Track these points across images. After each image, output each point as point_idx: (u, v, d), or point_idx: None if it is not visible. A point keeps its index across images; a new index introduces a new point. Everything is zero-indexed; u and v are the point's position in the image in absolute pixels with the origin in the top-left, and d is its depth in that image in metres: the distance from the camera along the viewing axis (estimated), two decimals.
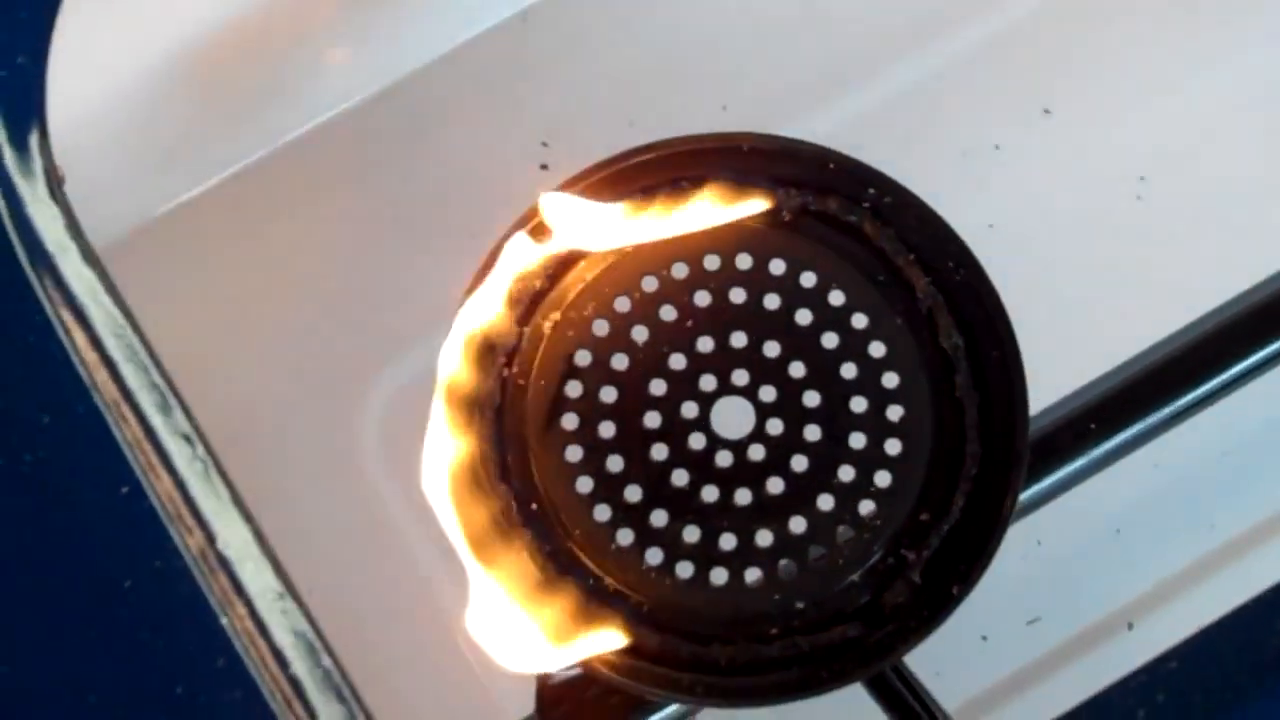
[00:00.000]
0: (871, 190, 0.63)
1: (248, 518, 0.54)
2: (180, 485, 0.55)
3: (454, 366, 0.61)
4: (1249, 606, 0.51)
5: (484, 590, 0.59)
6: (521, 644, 0.59)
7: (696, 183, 0.63)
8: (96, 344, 0.55)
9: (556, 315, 0.63)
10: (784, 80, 0.86)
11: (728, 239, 0.63)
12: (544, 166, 0.82)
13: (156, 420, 0.55)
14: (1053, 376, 0.67)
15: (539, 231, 0.62)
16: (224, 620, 0.52)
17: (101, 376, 0.54)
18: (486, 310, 0.62)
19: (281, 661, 0.53)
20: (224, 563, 0.54)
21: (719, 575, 0.61)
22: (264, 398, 0.85)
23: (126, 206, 0.87)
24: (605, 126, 0.66)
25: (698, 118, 0.65)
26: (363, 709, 0.54)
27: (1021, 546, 0.76)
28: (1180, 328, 0.69)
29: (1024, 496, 0.66)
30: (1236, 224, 0.79)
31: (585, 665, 0.60)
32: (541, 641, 0.59)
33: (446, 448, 0.60)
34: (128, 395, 0.55)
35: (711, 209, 0.62)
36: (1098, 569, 0.79)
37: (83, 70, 0.81)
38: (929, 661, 0.62)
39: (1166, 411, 0.67)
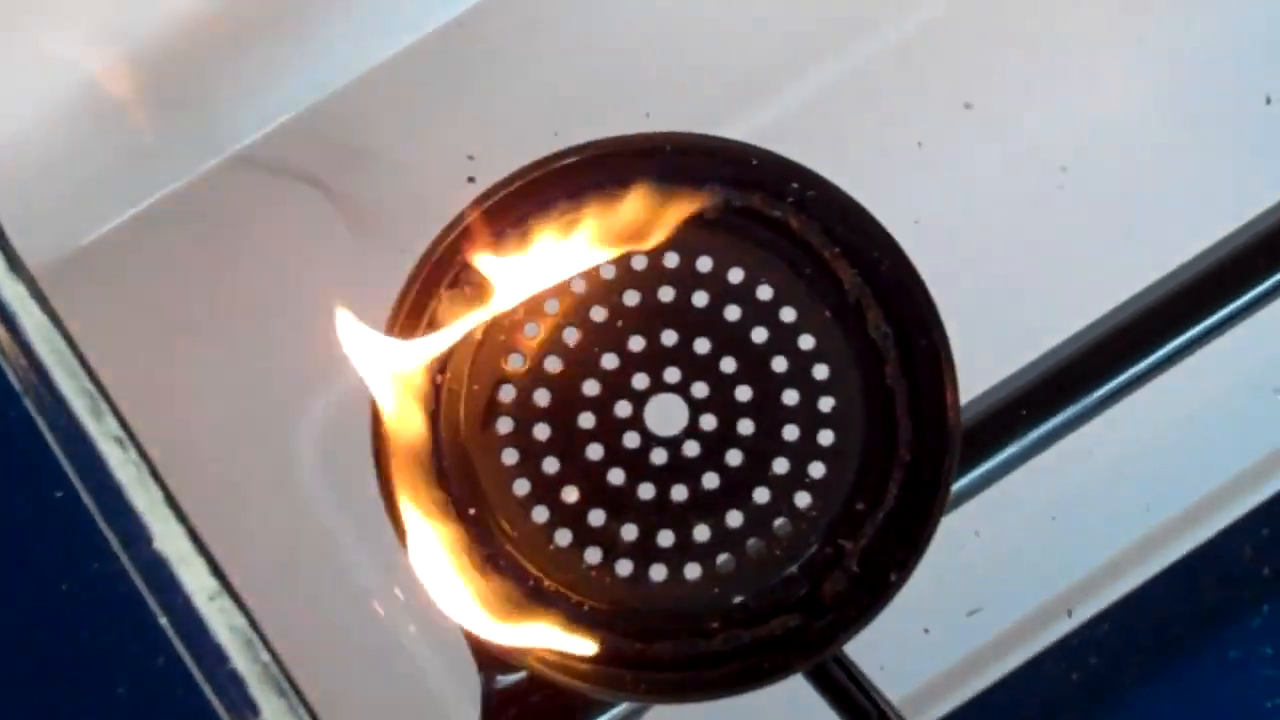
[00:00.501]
0: (795, 185, 0.63)
1: (182, 517, 0.55)
2: (114, 487, 0.55)
3: (388, 378, 0.61)
4: (1176, 569, 0.52)
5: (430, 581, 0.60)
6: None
7: (623, 184, 0.63)
8: (26, 350, 0.55)
9: (488, 320, 0.63)
10: (706, 85, 0.86)
11: (655, 239, 0.63)
12: (471, 179, 0.83)
13: (89, 423, 0.55)
14: (983, 365, 0.68)
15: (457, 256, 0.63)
16: (162, 620, 0.52)
17: (31, 380, 0.55)
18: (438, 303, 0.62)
19: (220, 657, 0.54)
20: (160, 562, 0.54)
21: (658, 572, 0.61)
22: (201, 418, 0.85)
23: (54, 234, 0.88)
24: (530, 138, 0.65)
25: (622, 126, 0.65)
26: (303, 702, 0.54)
27: (959, 537, 0.76)
28: (1105, 313, 0.69)
29: (958, 484, 0.66)
30: (1157, 210, 0.79)
31: (530, 668, 0.61)
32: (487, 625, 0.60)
33: (386, 453, 0.61)
34: (59, 400, 0.55)
35: (638, 210, 0.63)
36: (1036, 557, 0.80)
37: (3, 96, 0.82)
38: (872, 655, 0.63)
39: (1096, 396, 0.68)
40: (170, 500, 0.55)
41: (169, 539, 0.54)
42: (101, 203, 0.90)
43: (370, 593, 0.79)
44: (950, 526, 0.68)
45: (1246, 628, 0.49)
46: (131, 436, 0.55)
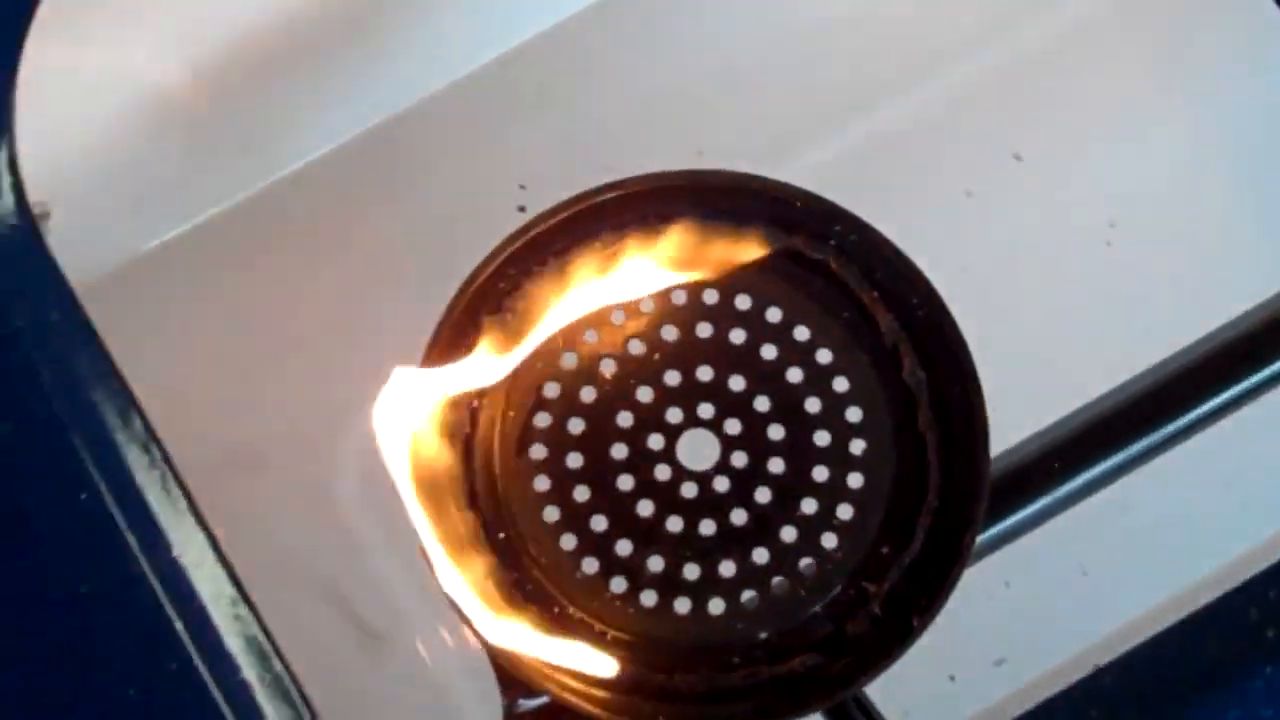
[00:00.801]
0: (838, 228, 0.64)
1: (203, 525, 0.55)
2: (138, 492, 0.56)
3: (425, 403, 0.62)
4: (1183, 625, 0.52)
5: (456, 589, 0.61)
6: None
7: (665, 219, 0.64)
8: (58, 355, 0.56)
9: (537, 348, 0.64)
10: (760, 126, 0.87)
11: (696, 274, 0.64)
12: (521, 208, 0.83)
13: (116, 428, 0.56)
14: (1020, 416, 0.68)
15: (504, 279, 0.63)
16: (177, 625, 0.53)
17: (61, 383, 0.56)
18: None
19: (232, 666, 0.54)
20: (178, 569, 0.55)
21: (682, 605, 0.62)
22: (245, 433, 0.86)
23: (109, 245, 0.89)
24: (581, 170, 0.66)
25: (673, 162, 0.66)
26: (311, 712, 0.55)
27: (989, 587, 0.77)
28: (1143, 370, 0.70)
29: (989, 534, 0.67)
30: (1202, 271, 0.80)
31: (551, 694, 0.61)
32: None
33: (420, 472, 0.62)
34: (89, 405, 0.56)
35: (681, 246, 0.64)
36: (1065, 610, 0.80)
37: (65, 112, 0.83)
38: (896, 700, 0.63)
39: (1128, 453, 0.68)
40: (194, 508, 0.55)
41: (189, 546, 0.54)
42: (162, 213, 0.91)
43: (404, 613, 0.79)
44: (980, 575, 0.68)
45: (1248, 689, 0.49)
46: (157, 442, 0.56)
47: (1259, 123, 0.58)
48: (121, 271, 0.89)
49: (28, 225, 0.60)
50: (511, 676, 0.62)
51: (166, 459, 0.55)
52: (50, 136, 0.81)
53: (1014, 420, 0.69)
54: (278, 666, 0.54)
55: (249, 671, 0.54)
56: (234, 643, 0.54)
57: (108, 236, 0.88)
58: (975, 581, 0.67)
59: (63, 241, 0.81)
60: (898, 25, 0.89)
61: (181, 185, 0.90)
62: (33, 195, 0.82)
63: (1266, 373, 0.67)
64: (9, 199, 0.61)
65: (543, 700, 0.62)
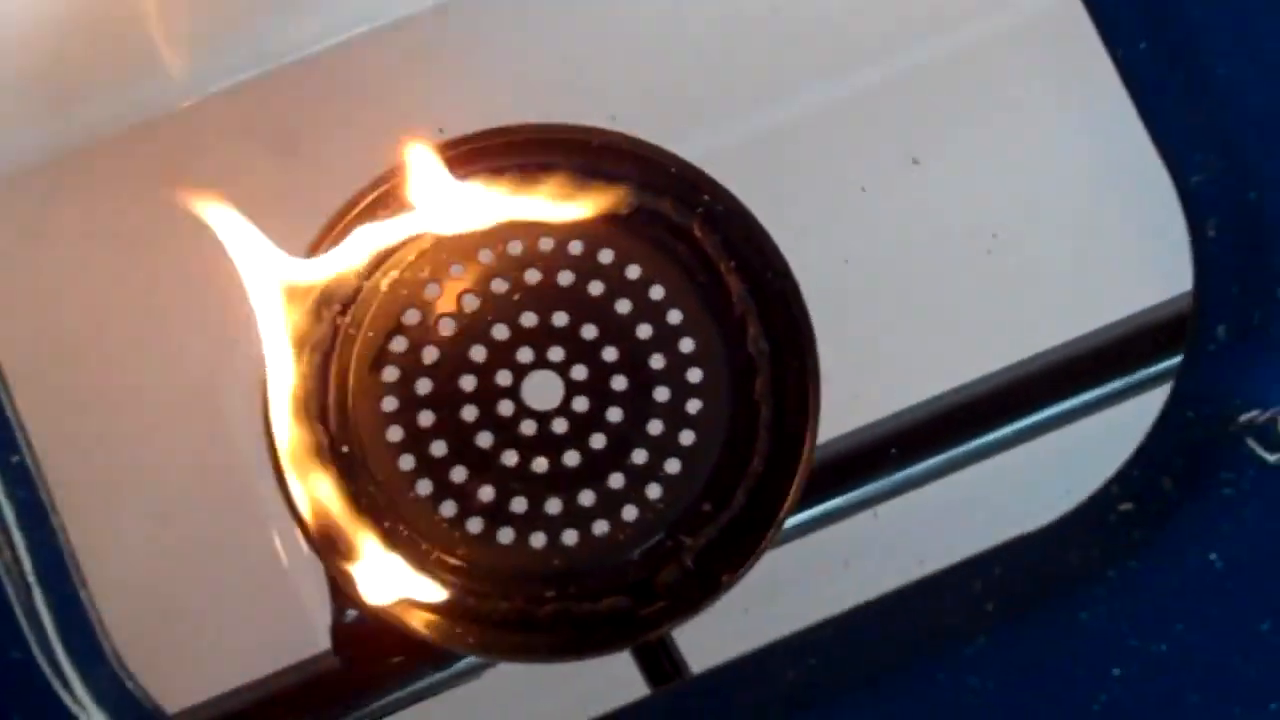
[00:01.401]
0: (706, 196, 0.66)
1: None
2: None
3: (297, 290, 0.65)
4: (920, 589, 0.54)
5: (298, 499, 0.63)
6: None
7: (545, 169, 0.66)
8: None
9: (395, 274, 0.66)
10: (673, 102, 0.88)
11: (563, 224, 0.66)
12: None
13: None
14: (875, 403, 0.71)
15: (392, 198, 0.66)
16: None
17: None
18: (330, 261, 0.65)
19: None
20: None
21: (505, 535, 0.64)
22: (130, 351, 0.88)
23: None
24: (498, 119, 0.68)
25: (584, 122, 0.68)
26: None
27: (831, 568, 0.79)
28: (986, 374, 0.72)
29: (814, 510, 0.70)
30: (1072, 285, 0.81)
31: (373, 609, 0.63)
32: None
33: (279, 376, 0.64)
34: None
35: (554, 195, 0.66)
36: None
37: None
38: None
39: (959, 451, 0.71)
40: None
41: None
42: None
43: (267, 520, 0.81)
44: (822, 553, 0.71)
45: (958, 655, 0.51)
46: None
47: (1147, 148, 0.60)
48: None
49: None
50: (340, 588, 0.64)
51: None
52: None
53: (868, 405, 0.71)
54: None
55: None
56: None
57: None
58: (818, 560, 0.70)
59: None
60: (819, 22, 0.91)
61: (106, 93, 0.91)
62: None
63: (1097, 392, 0.70)
64: None
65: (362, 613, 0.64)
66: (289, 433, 0.64)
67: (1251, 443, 0.52)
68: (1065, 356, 0.71)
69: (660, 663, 0.65)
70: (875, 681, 0.52)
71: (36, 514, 0.53)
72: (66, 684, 0.52)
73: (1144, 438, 0.53)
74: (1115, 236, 0.78)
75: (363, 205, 0.66)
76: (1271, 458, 0.52)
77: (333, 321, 0.65)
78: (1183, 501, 0.52)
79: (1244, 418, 0.52)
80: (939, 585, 0.53)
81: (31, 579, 0.53)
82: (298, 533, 0.65)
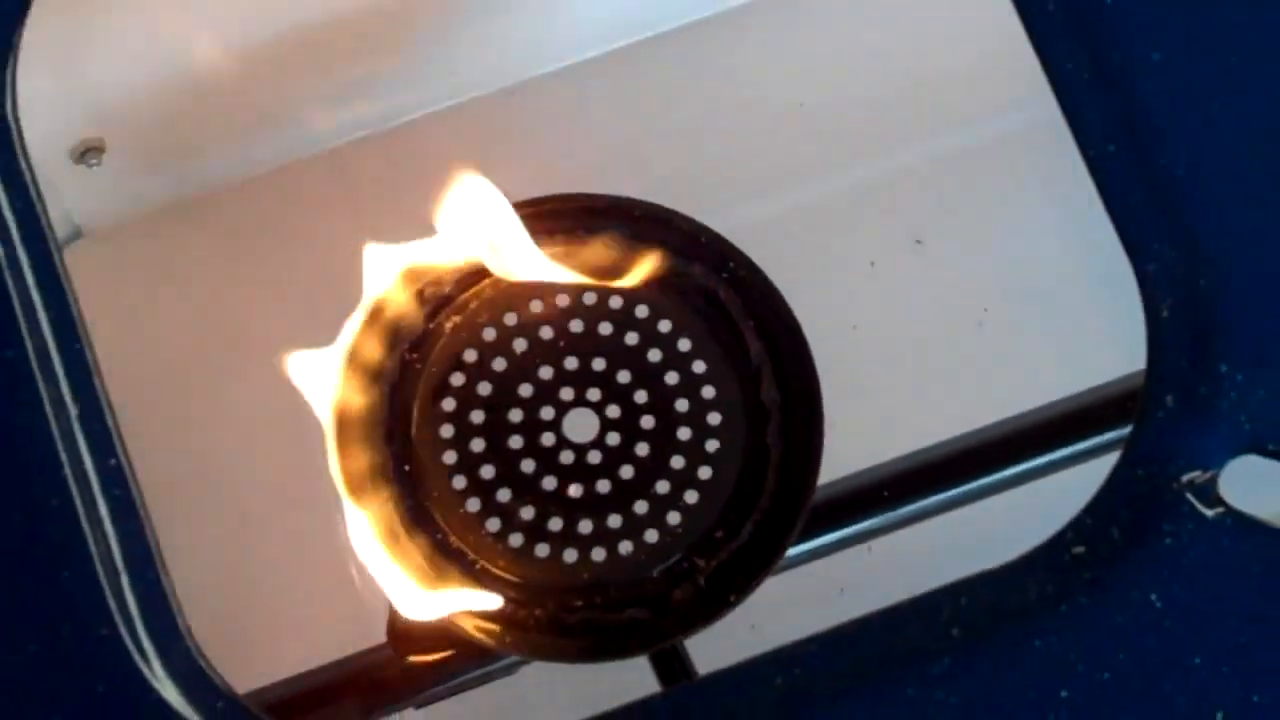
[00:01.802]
0: (732, 264, 0.66)
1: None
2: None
3: (360, 339, 0.65)
4: (891, 613, 0.54)
5: (355, 521, 0.64)
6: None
7: (591, 232, 0.67)
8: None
9: (457, 318, 0.67)
10: (707, 178, 0.88)
11: (606, 281, 0.67)
12: None
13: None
14: (872, 451, 0.71)
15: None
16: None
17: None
18: (400, 301, 0.66)
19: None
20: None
21: (542, 550, 0.64)
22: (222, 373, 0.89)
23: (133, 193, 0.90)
24: (551, 188, 0.69)
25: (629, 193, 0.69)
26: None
27: (828, 594, 0.79)
28: (971, 430, 0.72)
29: (818, 541, 0.70)
30: (1054, 357, 0.81)
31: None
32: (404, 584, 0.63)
33: (345, 405, 0.65)
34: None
35: (599, 256, 0.67)
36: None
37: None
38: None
39: (947, 495, 0.71)
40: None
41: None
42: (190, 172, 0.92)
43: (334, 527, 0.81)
44: (820, 580, 0.71)
45: (927, 672, 0.51)
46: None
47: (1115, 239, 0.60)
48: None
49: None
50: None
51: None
52: (107, 88, 0.84)
53: (867, 451, 0.72)
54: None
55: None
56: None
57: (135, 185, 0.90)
58: (814, 587, 0.70)
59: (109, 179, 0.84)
60: (839, 118, 0.91)
61: (204, 151, 0.91)
62: (88, 134, 0.85)
63: (1063, 452, 0.70)
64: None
65: None
66: (356, 453, 0.65)
67: (1192, 499, 0.52)
68: (1035, 421, 0.71)
69: (671, 666, 0.65)
70: (854, 691, 0.52)
71: (128, 510, 0.54)
72: (147, 660, 0.52)
73: (1097, 491, 0.53)
74: (1085, 316, 0.78)
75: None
76: (1210, 513, 0.52)
77: (401, 357, 0.66)
78: (1128, 548, 0.52)
79: (1186, 477, 0.52)
80: (913, 611, 0.53)
81: (120, 566, 0.53)
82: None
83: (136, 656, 0.52)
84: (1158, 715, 0.51)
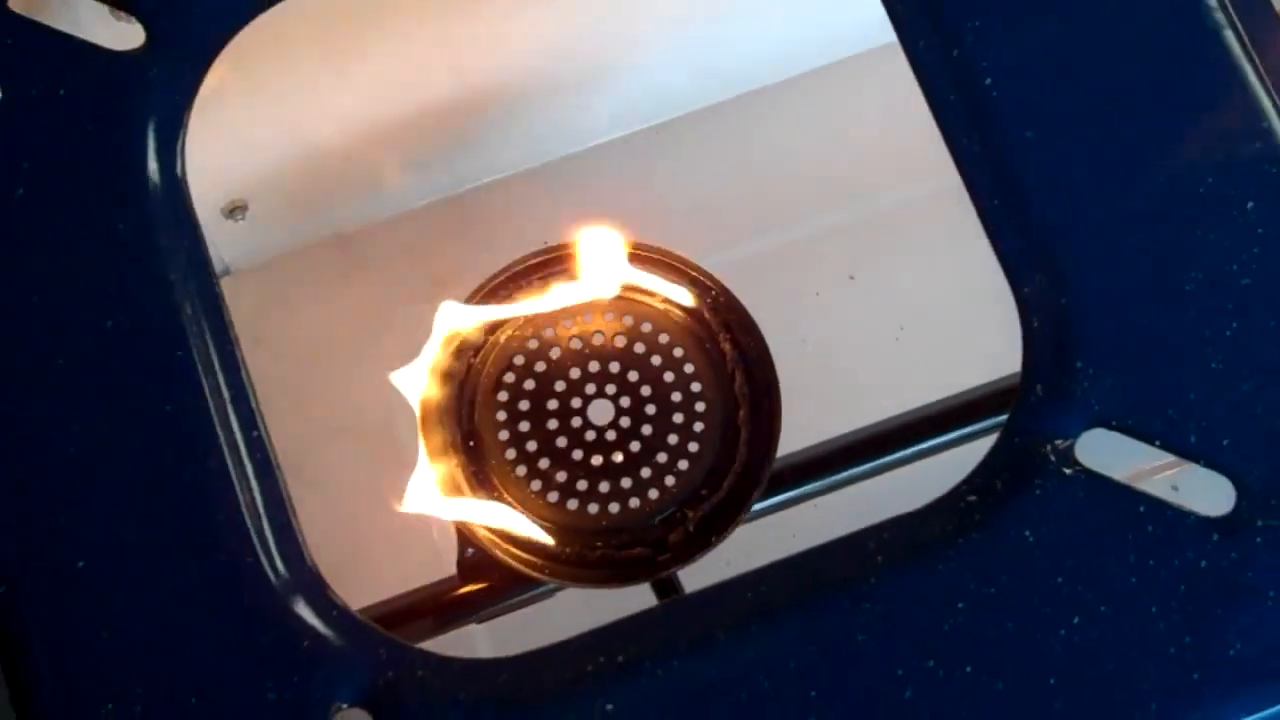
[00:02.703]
0: (713, 291, 0.67)
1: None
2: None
3: (438, 351, 0.66)
4: (821, 548, 0.54)
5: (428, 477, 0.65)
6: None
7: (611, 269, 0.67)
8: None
9: (510, 332, 0.67)
10: (695, 227, 0.84)
11: (620, 305, 0.67)
12: None
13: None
14: (817, 430, 0.71)
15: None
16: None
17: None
18: (469, 322, 0.67)
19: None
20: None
21: (572, 504, 0.65)
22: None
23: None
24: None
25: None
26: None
27: (783, 538, 0.78)
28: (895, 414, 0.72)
29: (776, 499, 0.70)
30: (951, 361, 0.77)
31: (483, 546, 0.64)
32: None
33: (428, 398, 0.66)
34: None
35: (622, 288, 0.67)
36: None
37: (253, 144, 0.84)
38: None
39: (876, 464, 0.71)
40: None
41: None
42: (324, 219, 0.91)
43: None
44: (778, 527, 0.71)
45: (858, 590, 0.51)
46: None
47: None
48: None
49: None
50: (463, 536, 0.66)
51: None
52: (250, 162, 0.85)
53: (812, 433, 0.72)
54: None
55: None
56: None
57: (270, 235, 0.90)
58: (770, 530, 0.70)
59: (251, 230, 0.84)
60: (795, 186, 0.91)
61: (322, 208, 0.91)
62: (235, 196, 0.85)
63: (962, 431, 0.70)
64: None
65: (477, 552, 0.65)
66: (435, 433, 0.66)
67: (1055, 461, 0.52)
68: (940, 409, 0.71)
69: (666, 589, 0.66)
70: (804, 603, 0.52)
71: (267, 469, 0.54)
72: (281, 580, 0.53)
73: (986, 455, 0.54)
74: (978, 330, 0.76)
75: (489, 288, 0.68)
76: (1068, 471, 0.52)
77: (467, 361, 0.67)
78: (1008, 497, 0.52)
79: (1051, 445, 0.53)
80: (848, 544, 0.53)
81: (261, 511, 0.53)
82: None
83: (273, 578, 0.53)
84: (1030, 621, 0.51)
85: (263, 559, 0.53)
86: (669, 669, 0.51)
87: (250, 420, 0.54)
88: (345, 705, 0.51)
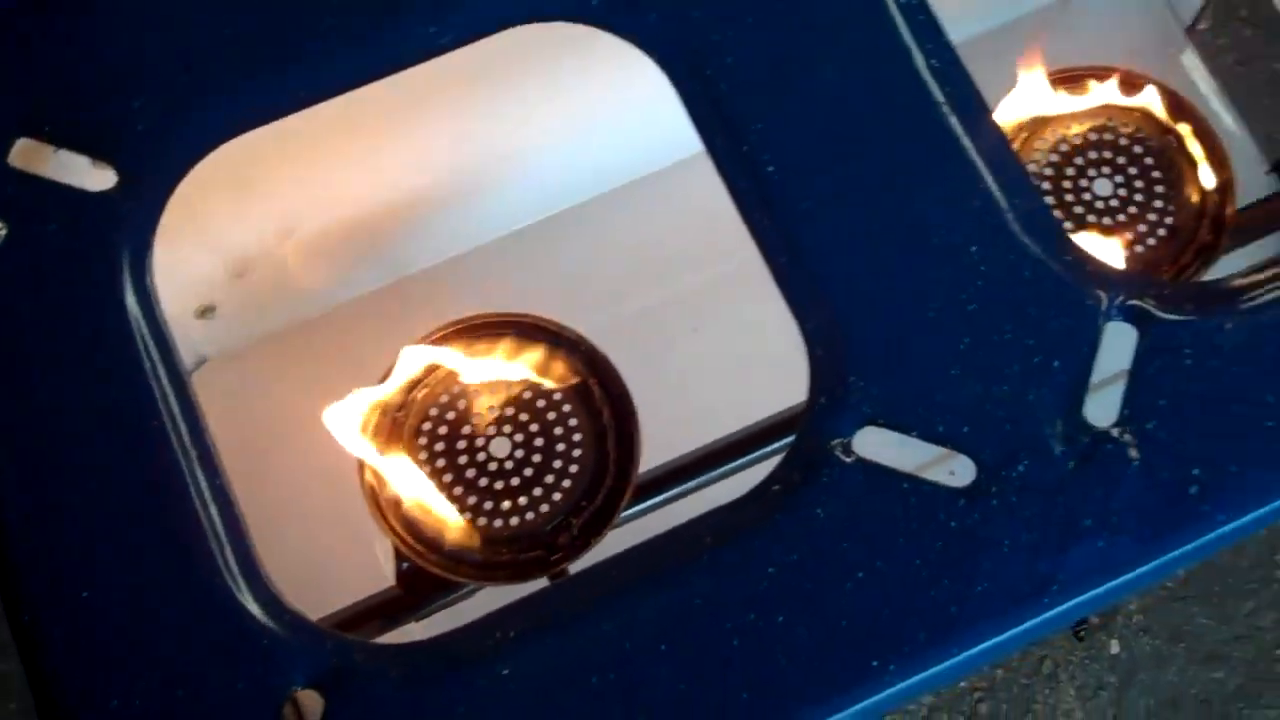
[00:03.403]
0: (582, 347, 0.68)
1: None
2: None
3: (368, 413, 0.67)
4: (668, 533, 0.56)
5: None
6: None
7: (499, 335, 0.69)
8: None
9: (426, 390, 0.68)
10: (563, 296, 0.83)
11: (518, 359, 0.68)
12: None
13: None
14: (667, 452, 0.72)
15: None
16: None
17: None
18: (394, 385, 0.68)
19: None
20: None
21: (481, 521, 0.66)
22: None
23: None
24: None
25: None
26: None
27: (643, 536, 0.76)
28: (723, 435, 0.72)
29: (644, 505, 0.70)
30: (769, 390, 0.71)
31: (412, 561, 0.65)
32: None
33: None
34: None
35: (508, 348, 0.68)
36: None
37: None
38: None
39: (710, 475, 0.72)
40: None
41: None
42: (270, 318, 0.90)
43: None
44: (642, 528, 0.71)
45: (694, 563, 0.52)
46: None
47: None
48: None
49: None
50: (399, 553, 0.66)
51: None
52: (217, 273, 0.84)
53: (671, 448, 0.73)
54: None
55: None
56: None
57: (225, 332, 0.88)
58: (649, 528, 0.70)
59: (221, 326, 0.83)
60: (663, 259, 0.92)
61: (278, 307, 0.89)
62: (205, 300, 0.86)
63: (773, 445, 0.71)
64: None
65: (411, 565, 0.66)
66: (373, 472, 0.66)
67: (837, 454, 0.54)
68: (766, 425, 0.72)
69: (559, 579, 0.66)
70: (658, 574, 0.53)
71: (229, 509, 0.55)
72: (241, 591, 0.53)
73: (784, 454, 0.55)
74: (784, 363, 0.75)
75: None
76: (848, 460, 0.54)
77: (393, 416, 0.67)
78: (803, 485, 0.54)
79: (834, 442, 0.54)
80: (687, 529, 0.54)
81: (225, 540, 0.54)
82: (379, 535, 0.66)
83: (235, 590, 0.53)
84: (825, 578, 0.52)
85: (227, 576, 0.54)
86: (552, 638, 0.53)
87: (214, 472, 0.55)
88: (299, 688, 0.52)
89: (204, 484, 0.55)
